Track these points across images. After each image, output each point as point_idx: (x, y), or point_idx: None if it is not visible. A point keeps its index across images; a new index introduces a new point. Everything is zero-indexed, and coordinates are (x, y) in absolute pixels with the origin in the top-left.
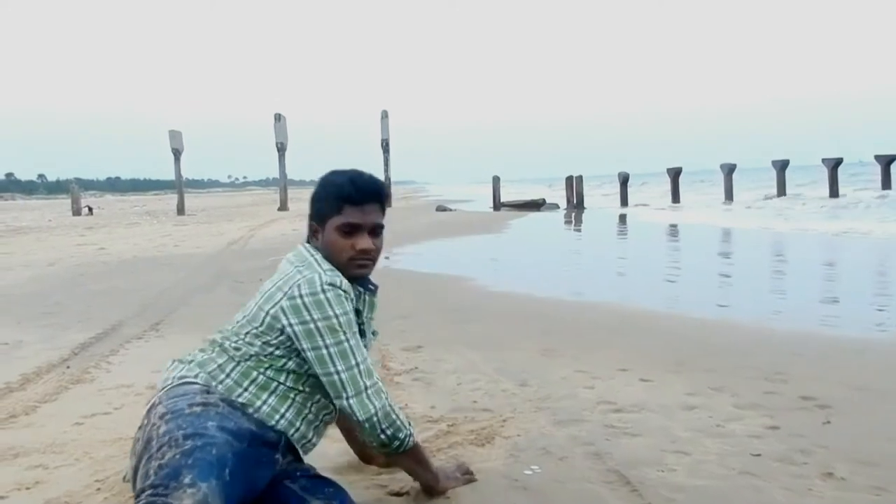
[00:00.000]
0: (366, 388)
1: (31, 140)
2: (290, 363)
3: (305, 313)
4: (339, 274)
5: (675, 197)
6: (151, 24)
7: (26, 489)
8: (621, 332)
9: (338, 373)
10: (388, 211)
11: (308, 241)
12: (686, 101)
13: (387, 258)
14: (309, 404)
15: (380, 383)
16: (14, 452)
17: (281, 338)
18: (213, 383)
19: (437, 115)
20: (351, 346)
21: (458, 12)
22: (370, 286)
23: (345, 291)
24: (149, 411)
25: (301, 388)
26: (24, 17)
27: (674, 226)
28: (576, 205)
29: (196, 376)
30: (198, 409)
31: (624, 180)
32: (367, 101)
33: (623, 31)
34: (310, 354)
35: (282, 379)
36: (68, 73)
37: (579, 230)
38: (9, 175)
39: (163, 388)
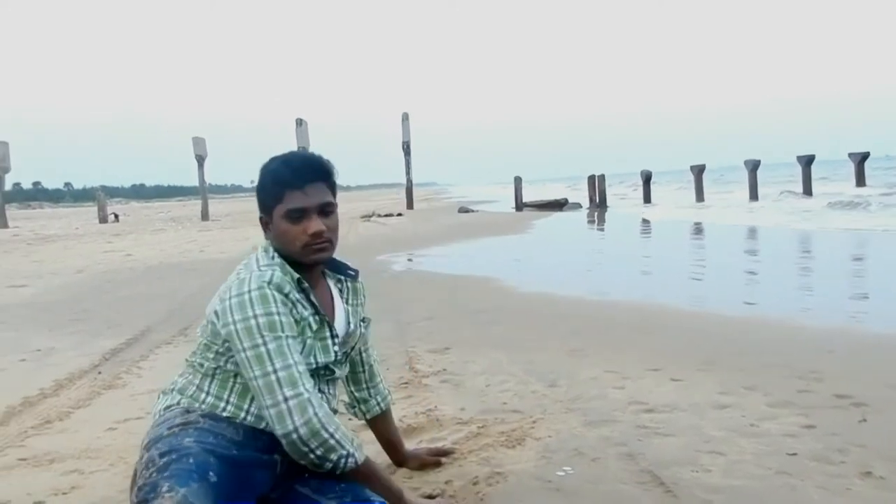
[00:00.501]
0: (285, 399)
1: (58, 149)
2: None
3: (229, 315)
4: (276, 269)
5: (700, 195)
6: (173, 33)
7: (63, 494)
8: (649, 331)
9: (254, 378)
10: (411, 213)
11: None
12: (711, 98)
13: (410, 259)
14: None
15: (308, 394)
16: (50, 458)
17: (227, 344)
18: (196, 405)
19: (457, 117)
20: (268, 350)
21: (479, 12)
22: (349, 271)
23: (276, 288)
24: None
25: None
26: (50, 29)
27: (698, 224)
28: (598, 204)
29: (178, 402)
30: (177, 429)
31: (647, 178)
32: (388, 103)
33: (646, 30)
34: (235, 358)
35: None
36: (92, 83)
37: (603, 229)
38: (36, 184)
39: (151, 424)
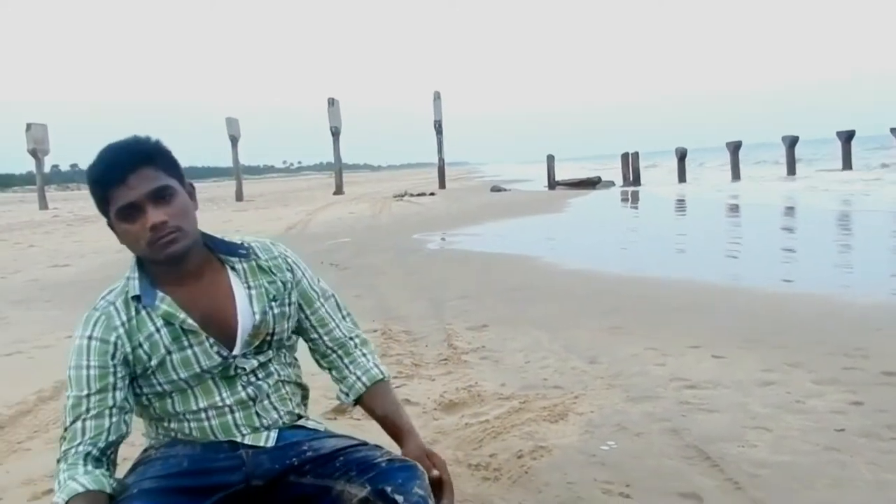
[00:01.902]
0: (57, 461)
1: (95, 131)
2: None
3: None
4: (113, 293)
5: (736, 174)
6: (207, 17)
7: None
8: (689, 308)
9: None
10: (444, 193)
11: None
12: (746, 79)
13: (443, 239)
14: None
15: (65, 457)
16: None
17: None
18: (152, 441)
19: (489, 96)
20: (66, 403)
21: None
22: (239, 251)
23: (102, 329)
24: None
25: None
26: (90, 14)
27: (734, 200)
28: (632, 182)
29: (143, 446)
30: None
31: (682, 156)
32: (420, 83)
33: (681, 11)
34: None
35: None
36: (128, 66)
37: (639, 208)
38: (73, 165)
39: None
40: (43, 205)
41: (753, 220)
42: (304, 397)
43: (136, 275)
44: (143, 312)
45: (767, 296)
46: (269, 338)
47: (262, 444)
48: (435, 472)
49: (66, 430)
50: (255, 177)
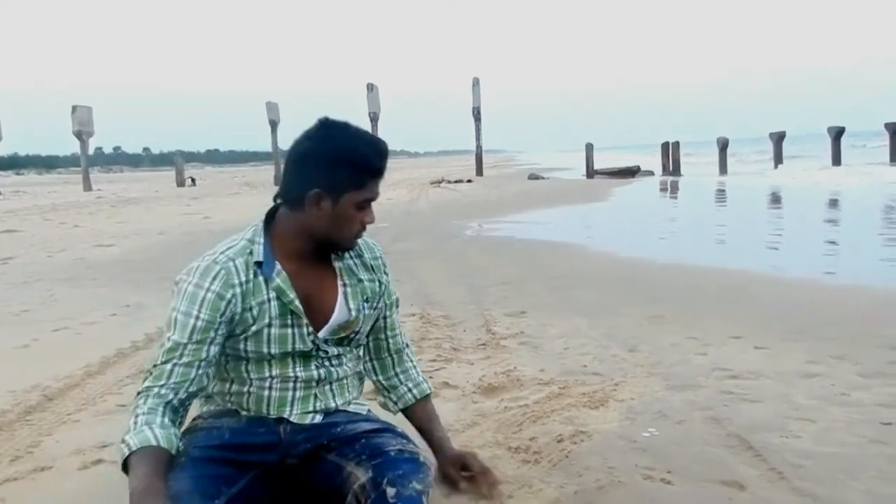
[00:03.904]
0: (137, 394)
1: (137, 115)
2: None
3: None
4: (240, 256)
5: (779, 160)
6: (246, 5)
7: None
8: (731, 299)
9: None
10: (481, 180)
11: (275, 210)
12: (797, 62)
13: (482, 225)
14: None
15: (148, 393)
16: None
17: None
18: (205, 408)
19: (526, 83)
20: (162, 341)
21: None
22: (338, 250)
23: (220, 272)
24: None
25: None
26: (125, 3)
27: (776, 191)
28: (672, 172)
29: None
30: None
31: (723, 146)
32: (456, 70)
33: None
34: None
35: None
36: (169, 52)
37: (683, 197)
38: (116, 148)
39: None
40: (87, 186)
41: (796, 210)
42: (360, 384)
43: (262, 241)
44: (260, 278)
45: (811, 287)
46: (353, 335)
47: (305, 422)
48: (477, 469)
49: (154, 366)
50: None
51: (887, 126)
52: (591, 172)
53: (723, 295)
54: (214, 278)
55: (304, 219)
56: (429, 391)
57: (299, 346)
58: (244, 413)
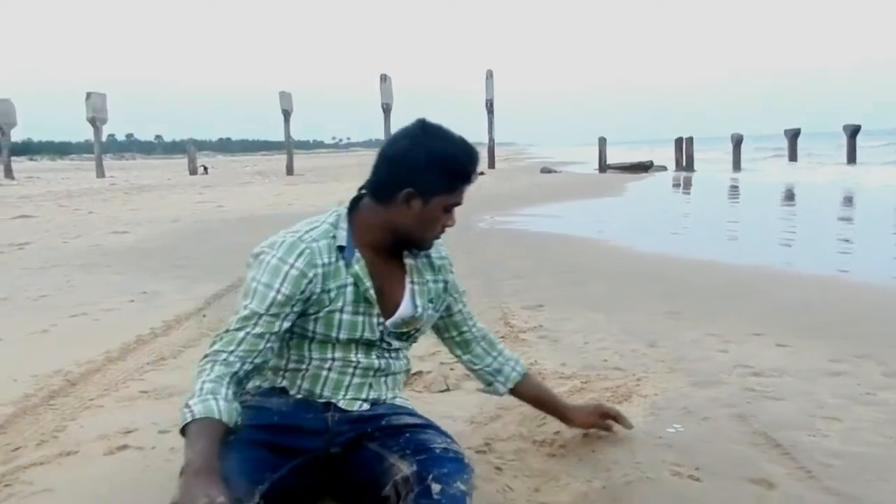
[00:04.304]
0: (203, 356)
1: (150, 104)
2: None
3: (248, 271)
4: (329, 238)
5: (793, 157)
6: None
7: None
8: (747, 295)
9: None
10: (493, 173)
11: (358, 201)
12: (805, 61)
13: (495, 218)
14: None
15: (216, 358)
16: (168, 391)
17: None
18: (257, 383)
19: (538, 77)
20: (237, 308)
21: None
22: (413, 248)
23: (305, 250)
24: None
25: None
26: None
27: (791, 188)
28: (685, 167)
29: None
30: None
31: (737, 142)
32: (469, 61)
33: None
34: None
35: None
36: (181, 40)
37: (695, 193)
38: (129, 135)
39: None
40: (100, 173)
41: (811, 207)
42: (404, 380)
43: (346, 227)
44: (341, 263)
45: (827, 285)
46: (414, 331)
47: (353, 409)
48: (613, 412)
49: (226, 331)
50: (304, 152)
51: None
52: (603, 167)
53: (739, 291)
54: (299, 256)
55: (390, 214)
56: (526, 367)
57: (367, 334)
58: (293, 393)
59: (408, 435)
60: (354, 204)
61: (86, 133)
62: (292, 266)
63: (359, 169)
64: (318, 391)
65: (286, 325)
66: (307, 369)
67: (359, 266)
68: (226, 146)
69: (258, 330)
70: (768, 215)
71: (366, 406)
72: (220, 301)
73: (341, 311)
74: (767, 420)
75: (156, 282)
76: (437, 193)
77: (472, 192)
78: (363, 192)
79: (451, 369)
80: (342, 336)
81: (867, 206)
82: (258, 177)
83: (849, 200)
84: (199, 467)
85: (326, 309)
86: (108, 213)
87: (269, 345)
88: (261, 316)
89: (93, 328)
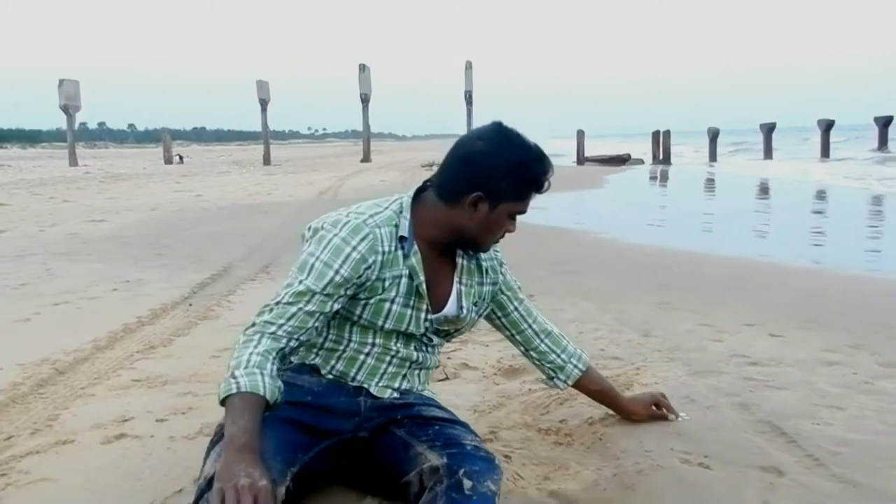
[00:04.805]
0: (251, 325)
1: (122, 91)
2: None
3: (305, 245)
4: (392, 226)
5: (768, 153)
6: None
7: (182, 414)
8: (736, 286)
9: (288, 276)
10: None
11: (420, 193)
12: (778, 54)
13: None
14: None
15: (264, 330)
16: (162, 380)
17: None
18: (292, 359)
19: (516, 69)
20: (290, 282)
21: None
22: (468, 249)
23: (368, 234)
24: None
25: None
26: None
27: (765, 181)
28: (662, 160)
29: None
30: None
31: (713, 136)
32: (446, 52)
33: None
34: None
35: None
36: (154, 25)
37: (676, 186)
38: (101, 124)
39: None
40: (73, 161)
41: (786, 198)
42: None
43: (409, 217)
44: (399, 253)
45: (813, 277)
46: (454, 331)
47: (384, 396)
48: (666, 403)
49: (277, 303)
50: (280, 142)
51: (876, 120)
52: (581, 159)
53: (728, 282)
54: (363, 239)
55: (454, 214)
56: (589, 360)
57: (412, 328)
58: (325, 373)
59: (437, 427)
60: (417, 194)
61: (57, 121)
62: (354, 248)
63: (336, 160)
64: (352, 374)
65: (337, 306)
66: (345, 351)
67: (415, 259)
68: (200, 136)
69: (310, 308)
70: (741, 207)
71: (395, 395)
72: (205, 290)
73: (392, 301)
74: (770, 409)
75: (138, 270)
76: (505, 200)
77: None
78: (428, 184)
79: (449, 358)
80: (388, 326)
81: (838, 200)
82: (235, 166)
83: (822, 195)
84: (243, 445)
85: (378, 297)
86: (84, 201)
87: (317, 323)
88: (315, 294)
89: (77, 316)
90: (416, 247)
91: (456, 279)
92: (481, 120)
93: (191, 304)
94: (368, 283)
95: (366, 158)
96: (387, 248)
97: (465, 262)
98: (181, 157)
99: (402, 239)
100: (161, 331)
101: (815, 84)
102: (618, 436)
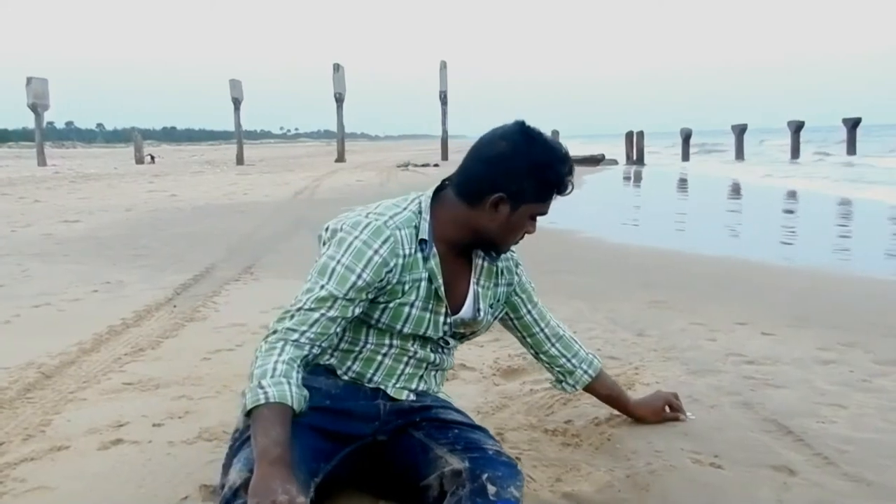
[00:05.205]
0: (272, 332)
1: (90, 89)
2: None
3: (324, 247)
4: (412, 227)
5: (740, 154)
6: None
7: (179, 418)
8: (723, 285)
9: (306, 282)
10: (447, 164)
11: (439, 192)
12: (754, 55)
13: None
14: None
15: (287, 337)
16: (154, 383)
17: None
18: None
19: (488, 70)
20: (310, 287)
21: None
22: (490, 252)
23: (389, 237)
24: None
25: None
26: None
27: (737, 183)
28: (636, 161)
29: None
30: None
31: (686, 136)
32: (419, 54)
33: None
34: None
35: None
36: (124, 23)
37: (653, 186)
38: (69, 123)
39: None
40: (42, 161)
41: (757, 200)
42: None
43: (429, 219)
44: (419, 255)
45: (798, 275)
46: (470, 334)
47: (401, 398)
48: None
49: (299, 309)
50: (252, 142)
51: (845, 121)
52: None
53: (716, 281)
54: (384, 242)
55: (474, 214)
56: (601, 365)
57: (430, 332)
58: (341, 374)
59: (456, 431)
60: (436, 193)
61: (24, 120)
62: (376, 252)
63: (308, 160)
64: (369, 375)
65: (358, 311)
66: (361, 352)
67: (434, 261)
68: (170, 135)
69: (333, 313)
70: (716, 206)
71: (412, 397)
72: (188, 291)
73: (412, 305)
74: (773, 407)
75: (118, 271)
76: (527, 201)
77: (430, 183)
78: (447, 182)
79: None
80: (406, 329)
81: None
82: (208, 166)
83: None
84: (276, 458)
85: (398, 301)
86: (56, 201)
87: (338, 330)
88: (337, 299)
89: (59, 319)
90: (434, 249)
91: (473, 281)
92: (452, 120)
93: (175, 306)
94: (388, 287)
95: (340, 158)
96: (407, 251)
97: (482, 263)
98: (153, 157)
99: (422, 242)
100: (147, 333)
101: (792, 85)
102: (626, 436)
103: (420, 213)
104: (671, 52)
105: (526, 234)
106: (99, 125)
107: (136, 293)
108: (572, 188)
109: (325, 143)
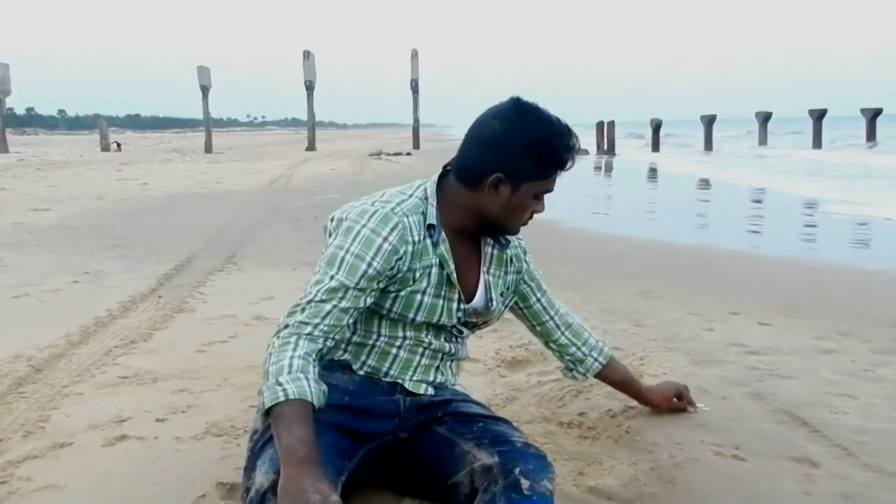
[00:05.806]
0: (284, 326)
1: (51, 75)
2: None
3: (330, 237)
4: (420, 213)
5: (709, 144)
6: None
7: (182, 412)
8: (711, 275)
9: (314, 273)
10: (419, 153)
11: (442, 179)
12: (723, 48)
13: None
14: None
15: (300, 331)
16: (151, 377)
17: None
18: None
19: (457, 59)
20: (319, 278)
21: None
22: (500, 239)
23: (398, 224)
24: None
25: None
26: None
27: (705, 180)
28: (607, 151)
29: None
30: None
31: (656, 127)
32: (388, 43)
33: None
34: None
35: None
36: (87, 7)
37: (626, 177)
38: (29, 110)
39: None
40: (3, 148)
41: (724, 193)
42: None
43: (436, 204)
44: (429, 241)
45: (782, 265)
46: (482, 323)
47: (420, 392)
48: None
49: (309, 301)
50: (219, 129)
51: (811, 112)
52: None
53: (704, 271)
54: (393, 229)
55: (476, 198)
56: (610, 352)
57: (444, 319)
58: (356, 369)
59: (481, 424)
60: (440, 179)
61: None
62: (385, 239)
63: (278, 148)
64: (384, 369)
65: (370, 300)
66: (375, 345)
67: (444, 247)
68: (135, 122)
69: (345, 304)
70: (691, 196)
71: (430, 390)
72: (172, 281)
73: (423, 292)
74: (784, 398)
75: (96, 261)
76: (527, 180)
77: (403, 172)
78: (448, 168)
79: None
80: (419, 318)
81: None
82: (176, 154)
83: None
84: (303, 457)
85: (409, 289)
86: (23, 189)
87: (350, 321)
88: (348, 289)
89: (41, 310)
90: (443, 234)
91: (483, 269)
92: (428, 109)
93: (160, 297)
94: (399, 275)
95: (311, 147)
96: (416, 238)
97: (491, 251)
98: (119, 145)
99: (430, 227)
100: (136, 324)
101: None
102: (644, 428)
103: (426, 198)
104: (645, 44)
105: (535, 214)
106: (61, 112)
107: (119, 284)
108: (573, 163)
109: (293, 131)
